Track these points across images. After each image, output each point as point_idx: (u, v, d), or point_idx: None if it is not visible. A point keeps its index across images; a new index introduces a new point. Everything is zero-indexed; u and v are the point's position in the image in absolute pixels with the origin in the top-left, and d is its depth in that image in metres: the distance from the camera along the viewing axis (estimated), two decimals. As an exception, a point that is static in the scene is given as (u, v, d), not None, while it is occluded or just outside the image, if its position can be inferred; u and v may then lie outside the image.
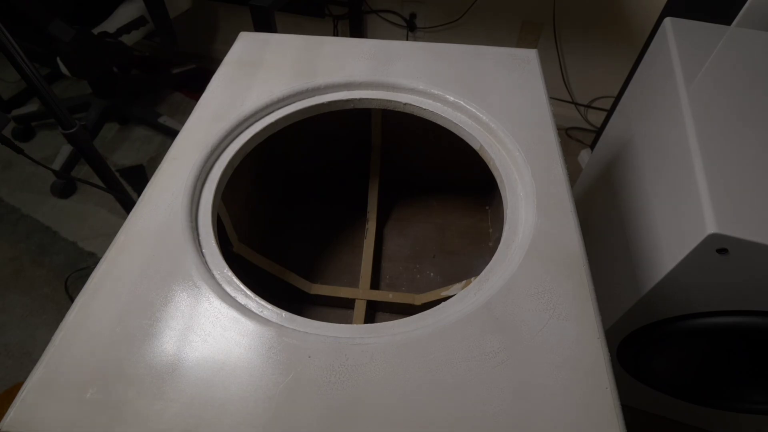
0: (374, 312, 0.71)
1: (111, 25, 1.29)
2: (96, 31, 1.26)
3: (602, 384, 0.36)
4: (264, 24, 1.05)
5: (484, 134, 0.58)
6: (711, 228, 0.53)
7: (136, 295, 0.41)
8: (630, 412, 0.96)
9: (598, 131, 1.46)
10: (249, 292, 0.43)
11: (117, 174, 1.16)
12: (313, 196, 0.85)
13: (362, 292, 0.69)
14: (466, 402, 0.35)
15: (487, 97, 0.61)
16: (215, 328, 0.39)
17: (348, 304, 0.70)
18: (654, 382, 0.85)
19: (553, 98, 1.54)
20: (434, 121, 0.62)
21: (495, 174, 0.56)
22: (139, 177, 1.51)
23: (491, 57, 0.67)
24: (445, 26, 1.56)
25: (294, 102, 0.62)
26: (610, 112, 1.29)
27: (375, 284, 0.74)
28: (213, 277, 0.44)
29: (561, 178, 0.51)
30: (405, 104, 0.63)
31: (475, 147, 0.58)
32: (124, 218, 0.47)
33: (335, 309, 0.71)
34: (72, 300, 1.06)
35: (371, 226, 0.78)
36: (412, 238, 0.80)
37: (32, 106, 1.65)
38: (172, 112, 1.72)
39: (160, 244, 0.45)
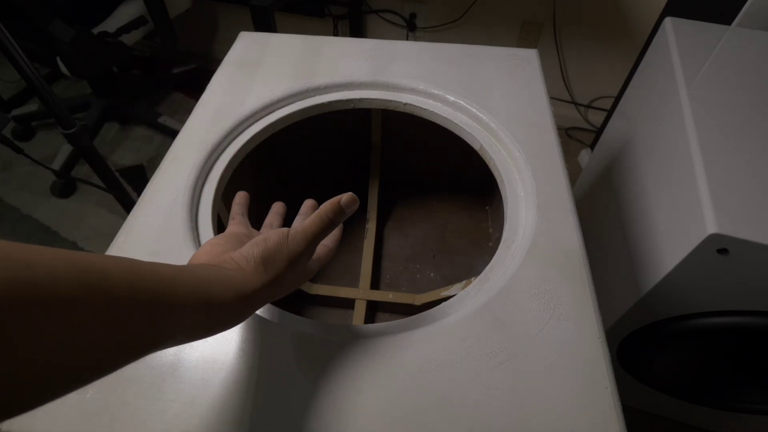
0: (374, 312, 0.71)
1: (111, 25, 1.29)
2: (96, 31, 1.26)
3: (602, 384, 0.36)
4: (264, 24, 1.05)
5: (484, 134, 0.58)
6: (711, 228, 0.53)
7: (136, 295, 0.41)
8: (630, 412, 0.96)
9: (598, 131, 1.46)
10: (249, 292, 0.43)
11: (117, 174, 1.16)
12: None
13: (362, 292, 0.69)
14: (465, 402, 0.35)
15: (487, 97, 0.61)
16: (215, 328, 0.39)
17: (348, 304, 0.69)
18: (654, 382, 0.85)
19: (553, 98, 1.54)
20: (434, 121, 0.62)
21: (495, 174, 0.56)
22: (139, 177, 1.51)
23: (491, 57, 0.67)
24: (445, 26, 1.56)
25: (294, 102, 0.62)
26: (610, 112, 1.29)
27: (375, 284, 0.74)
28: (213, 277, 0.44)
29: (561, 178, 0.51)
30: (405, 104, 0.63)
31: (476, 147, 0.58)
32: (124, 218, 0.47)
33: (335, 309, 0.71)
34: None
35: (371, 226, 0.78)
36: (412, 238, 0.80)
37: (32, 106, 1.65)
38: (172, 112, 1.72)
39: (160, 244, 0.45)
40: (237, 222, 0.42)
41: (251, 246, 0.32)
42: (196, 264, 0.30)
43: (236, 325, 0.31)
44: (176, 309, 0.24)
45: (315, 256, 0.39)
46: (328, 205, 0.35)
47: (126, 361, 0.23)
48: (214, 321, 0.28)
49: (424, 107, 0.62)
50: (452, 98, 0.61)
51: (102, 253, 0.22)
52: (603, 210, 0.95)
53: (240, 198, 0.45)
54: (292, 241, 0.32)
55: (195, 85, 1.85)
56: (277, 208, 0.47)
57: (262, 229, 0.44)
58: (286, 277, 0.32)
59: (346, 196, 0.35)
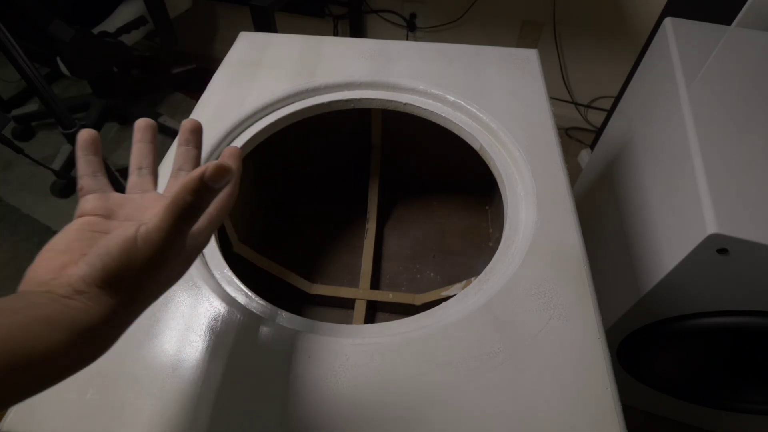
0: (374, 312, 0.71)
1: (111, 25, 1.29)
2: (96, 31, 1.26)
3: (602, 384, 0.36)
4: (264, 24, 1.05)
5: (484, 134, 0.58)
6: (711, 228, 0.53)
7: (136, 295, 0.41)
8: (630, 412, 0.96)
9: (598, 131, 1.46)
10: (249, 293, 0.43)
11: (117, 174, 1.16)
12: (313, 196, 0.85)
13: (362, 292, 0.69)
14: (465, 402, 0.35)
15: (487, 97, 0.61)
16: (215, 328, 0.39)
17: (348, 304, 0.69)
18: (654, 382, 0.85)
19: (553, 98, 1.54)
20: (434, 121, 0.62)
21: (495, 174, 0.56)
22: (139, 177, 1.50)
23: (491, 57, 0.67)
24: (445, 26, 1.56)
25: (294, 102, 0.62)
26: (610, 112, 1.29)
27: (375, 284, 0.74)
28: (213, 277, 0.44)
29: (561, 178, 0.51)
30: (405, 104, 0.63)
31: (476, 147, 0.58)
32: (124, 218, 0.47)
33: (335, 309, 0.71)
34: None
35: (371, 226, 0.78)
36: (412, 238, 0.80)
37: (32, 106, 1.64)
38: (172, 112, 1.72)
39: (160, 244, 0.45)
40: (87, 194, 0.28)
41: (89, 263, 0.23)
42: (16, 296, 0.22)
43: (97, 359, 0.23)
44: None
45: (195, 229, 0.28)
46: (187, 183, 0.22)
47: None
48: (43, 374, 0.21)
49: (424, 107, 0.62)
50: (452, 98, 0.61)
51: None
52: (603, 210, 0.95)
53: (88, 137, 0.29)
54: (144, 245, 0.23)
55: (195, 85, 1.85)
56: (187, 141, 0.32)
57: (170, 180, 0.32)
58: (147, 288, 0.25)
59: (211, 167, 0.22)
